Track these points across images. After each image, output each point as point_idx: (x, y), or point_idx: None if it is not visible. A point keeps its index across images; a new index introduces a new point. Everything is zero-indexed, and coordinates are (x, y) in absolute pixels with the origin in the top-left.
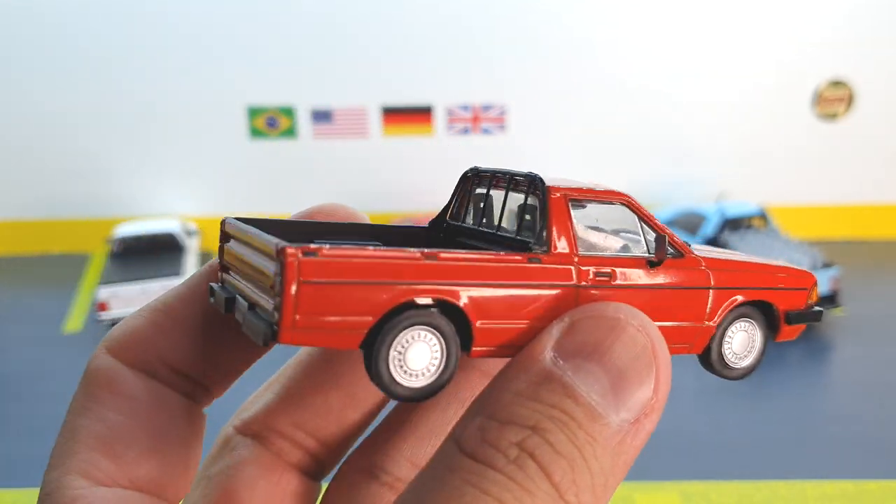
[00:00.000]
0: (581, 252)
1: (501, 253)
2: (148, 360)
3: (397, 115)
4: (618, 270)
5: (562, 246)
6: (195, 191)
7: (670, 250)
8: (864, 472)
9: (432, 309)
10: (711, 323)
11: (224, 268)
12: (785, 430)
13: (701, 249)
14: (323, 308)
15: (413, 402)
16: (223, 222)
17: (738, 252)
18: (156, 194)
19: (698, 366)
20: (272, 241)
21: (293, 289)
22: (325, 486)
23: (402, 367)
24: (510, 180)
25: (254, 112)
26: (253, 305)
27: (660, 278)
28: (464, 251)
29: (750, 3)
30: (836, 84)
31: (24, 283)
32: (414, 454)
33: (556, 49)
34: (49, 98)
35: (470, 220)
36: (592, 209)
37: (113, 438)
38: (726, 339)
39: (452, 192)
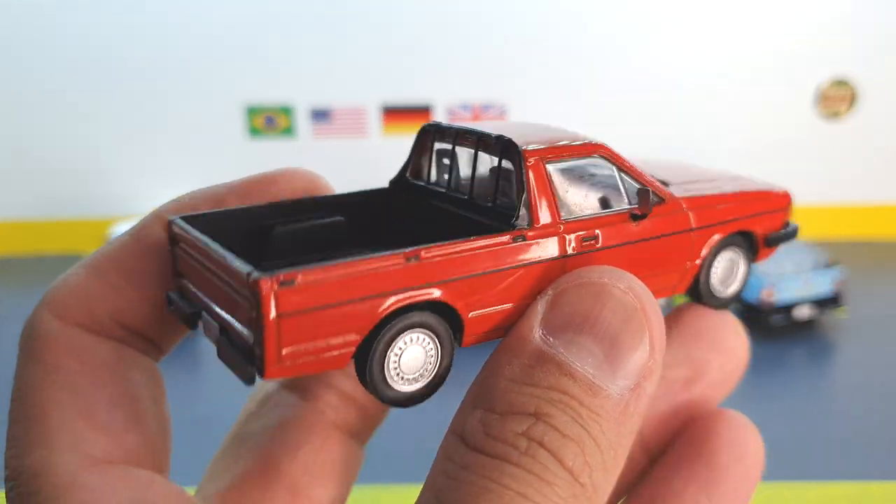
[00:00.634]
0: (564, 217)
1: (483, 238)
2: (101, 319)
3: (397, 114)
4: (602, 232)
5: (544, 217)
6: (193, 189)
7: (654, 198)
8: (866, 474)
9: (422, 311)
10: (697, 262)
11: (179, 273)
12: (786, 431)
13: (680, 185)
14: (307, 336)
15: (414, 406)
16: (169, 223)
17: (714, 172)
18: (153, 193)
19: None
20: (241, 269)
21: (273, 323)
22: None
23: (398, 374)
24: (478, 140)
25: (252, 111)
26: (225, 329)
27: (644, 230)
28: (444, 243)
29: (751, 2)
30: (839, 83)
31: (24, 284)
32: None
33: (557, 48)
34: (45, 97)
35: (434, 179)
36: (569, 164)
37: (93, 409)
38: (712, 271)
39: (412, 147)
